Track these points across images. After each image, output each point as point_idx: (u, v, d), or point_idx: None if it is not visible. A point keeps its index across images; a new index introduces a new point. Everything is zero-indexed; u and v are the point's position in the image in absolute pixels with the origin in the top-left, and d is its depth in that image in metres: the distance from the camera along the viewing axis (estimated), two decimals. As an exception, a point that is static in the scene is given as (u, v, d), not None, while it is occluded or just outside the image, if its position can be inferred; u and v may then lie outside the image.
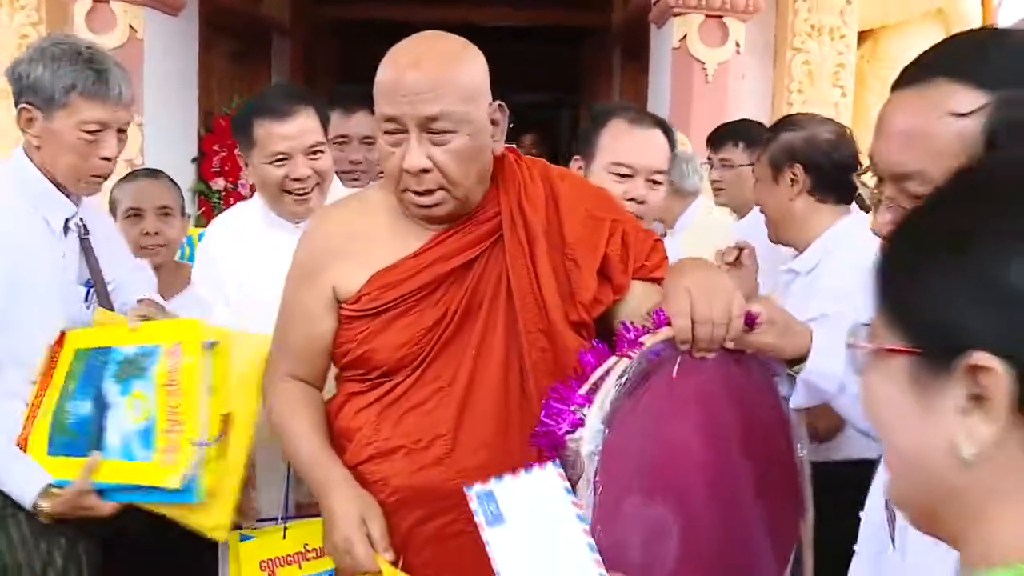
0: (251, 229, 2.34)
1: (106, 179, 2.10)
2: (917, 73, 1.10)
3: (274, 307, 1.97)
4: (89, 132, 1.99)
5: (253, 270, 2.26)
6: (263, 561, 2.08)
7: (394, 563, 1.61)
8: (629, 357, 1.46)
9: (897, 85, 1.12)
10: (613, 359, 1.46)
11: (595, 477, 1.37)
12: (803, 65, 4.76)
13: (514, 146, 1.95)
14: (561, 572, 1.32)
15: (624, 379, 1.43)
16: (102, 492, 1.91)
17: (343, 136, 2.92)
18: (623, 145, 2.15)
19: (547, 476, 1.38)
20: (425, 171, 1.60)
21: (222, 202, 4.94)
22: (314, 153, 2.26)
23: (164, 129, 4.42)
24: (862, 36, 5.06)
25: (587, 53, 8.36)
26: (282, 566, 2.10)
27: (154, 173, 3.00)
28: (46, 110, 1.99)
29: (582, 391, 1.43)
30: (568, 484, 1.38)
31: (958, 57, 1.09)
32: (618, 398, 1.41)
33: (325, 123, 2.34)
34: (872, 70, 5.14)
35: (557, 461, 1.41)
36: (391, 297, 1.67)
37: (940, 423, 0.69)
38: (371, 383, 1.70)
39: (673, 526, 1.38)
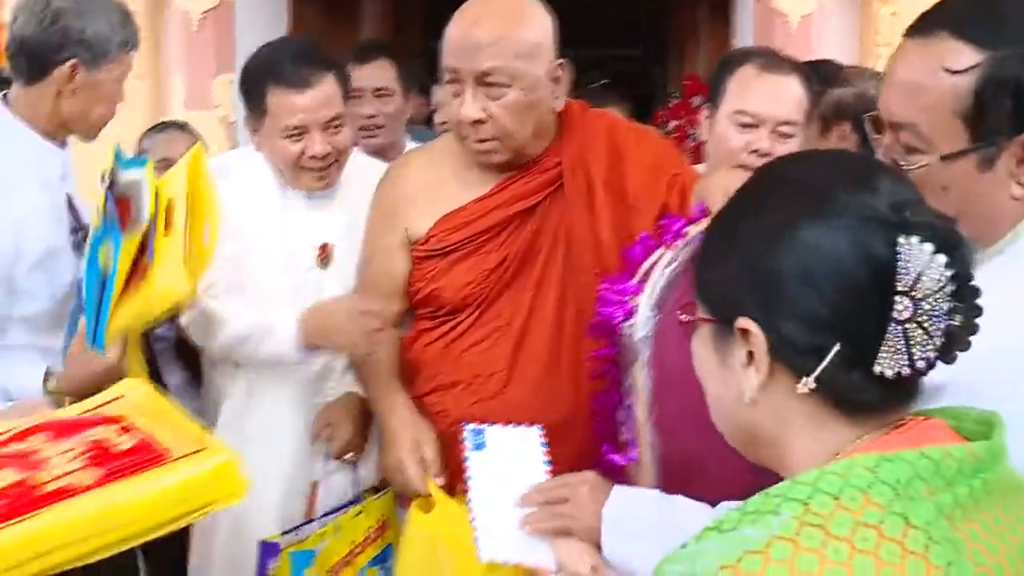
0: (264, 193, 2.11)
1: None
2: (925, 25, 1.11)
3: (278, 284, 2.04)
4: (121, 83, 2.11)
5: (263, 241, 2.06)
6: (329, 570, 2.01)
7: (447, 489, 1.73)
8: (674, 247, 1.56)
9: (907, 34, 1.13)
10: (660, 250, 1.57)
11: (648, 360, 1.48)
12: (891, 16, 4.64)
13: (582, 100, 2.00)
14: (519, 488, 1.47)
15: (671, 267, 1.53)
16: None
17: (355, 90, 2.70)
18: (749, 92, 1.96)
19: (530, 433, 1.55)
20: (479, 122, 1.72)
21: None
22: (335, 127, 2.04)
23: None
24: (956, -15, 4.91)
25: (672, 8, 8.27)
26: (343, 568, 2.04)
27: (181, 126, 3.14)
28: (92, 63, 2.03)
29: (633, 282, 1.54)
30: (545, 441, 1.53)
31: (962, 13, 1.09)
32: (667, 285, 1.51)
33: (347, 91, 2.13)
34: (966, 21, 4.99)
35: (542, 427, 1.55)
36: (457, 239, 1.81)
37: (732, 375, 0.87)
38: (438, 320, 1.84)
39: None
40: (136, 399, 1.51)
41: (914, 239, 0.78)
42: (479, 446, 1.56)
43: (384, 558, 2.10)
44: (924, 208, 0.81)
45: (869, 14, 4.70)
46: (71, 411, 1.50)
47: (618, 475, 1.54)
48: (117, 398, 1.50)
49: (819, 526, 0.73)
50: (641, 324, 1.50)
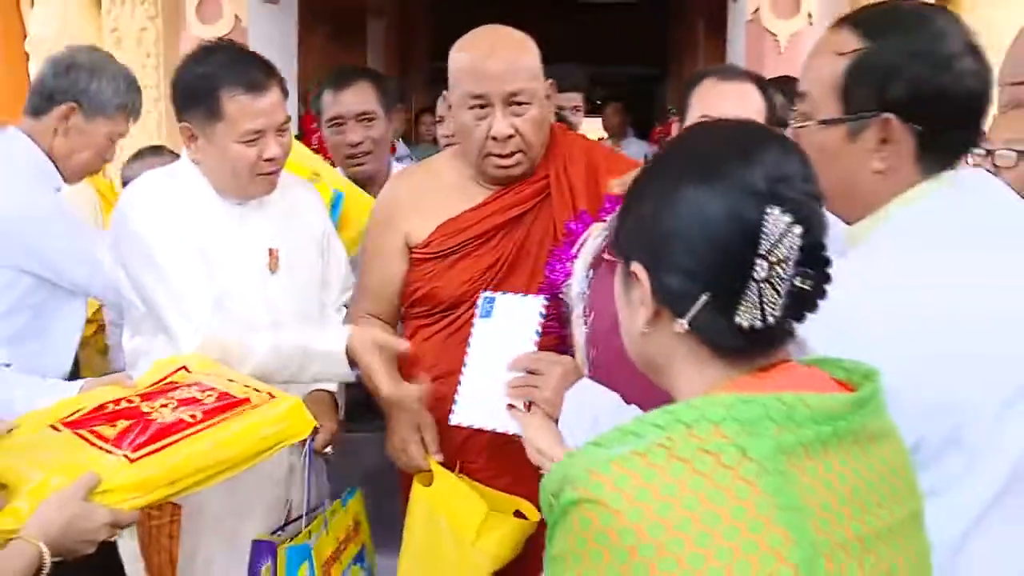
0: (207, 204, 2.05)
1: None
2: (844, 18, 1.31)
3: (233, 293, 1.99)
4: (112, 140, 2.44)
5: (216, 251, 2.01)
6: (322, 566, 2.01)
7: (450, 467, 1.92)
8: (606, 220, 1.77)
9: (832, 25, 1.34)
10: (595, 224, 1.79)
11: (585, 311, 1.71)
12: (878, 33, 4.80)
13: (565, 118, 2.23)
14: (508, 358, 1.71)
15: (603, 236, 1.73)
16: None
17: (337, 117, 2.76)
18: (707, 100, 2.11)
19: (533, 302, 1.76)
20: (509, 137, 1.93)
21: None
22: (283, 130, 2.03)
23: (268, 110, 4.75)
24: None
25: (673, 27, 8.47)
26: (332, 563, 2.05)
27: (158, 150, 3.23)
28: (89, 115, 2.37)
29: (573, 250, 1.78)
30: (544, 312, 1.73)
31: (868, 11, 1.30)
32: (598, 250, 1.72)
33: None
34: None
35: (547, 297, 1.77)
36: (454, 243, 2.01)
37: (632, 310, 1.03)
38: (436, 316, 2.03)
39: None
40: (196, 367, 1.75)
41: (778, 210, 0.92)
42: (487, 313, 1.78)
43: (362, 557, 2.17)
44: (797, 185, 0.95)
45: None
46: (142, 383, 1.72)
47: None
48: (180, 368, 1.74)
49: (667, 447, 0.86)
50: (576, 283, 1.72)
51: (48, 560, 1.31)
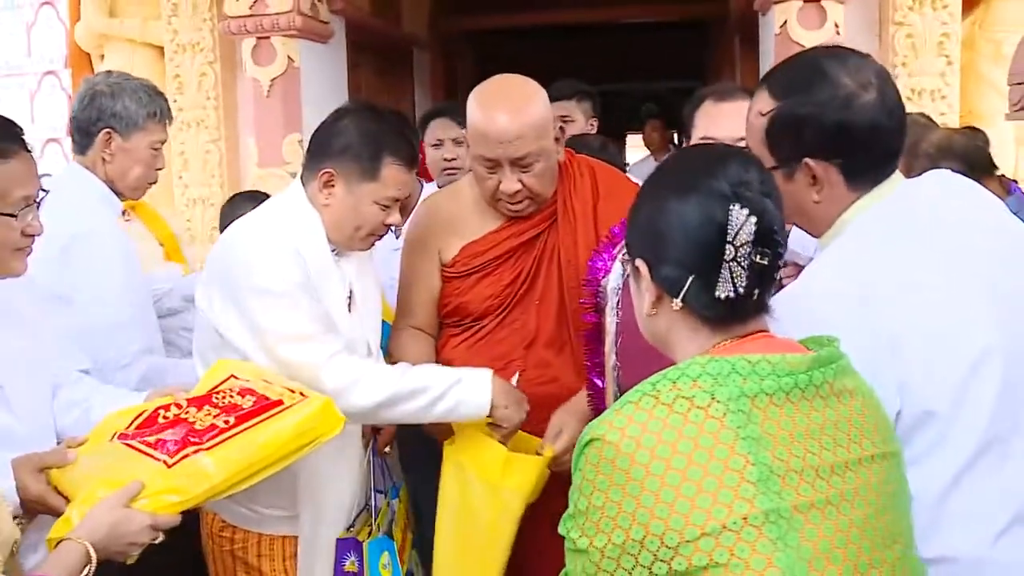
0: (321, 245, 2.11)
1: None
2: (761, 80, 1.55)
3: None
4: (155, 148, 2.62)
5: (325, 291, 2.09)
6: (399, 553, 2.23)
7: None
8: None
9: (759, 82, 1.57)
10: None
11: (617, 305, 1.95)
12: (906, 39, 4.93)
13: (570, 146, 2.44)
14: None
15: None
16: None
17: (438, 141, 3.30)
18: (710, 120, 2.28)
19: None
20: (517, 191, 2.16)
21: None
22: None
23: (321, 144, 5.00)
24: (974, 2, 5.15)
25: (711, 43, 8.62)
26: (402, 552, 2.26)
27: (258, 196, 3.18)
28: (125, 134, 2.57)
29: (614, 251, 2.00)
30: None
31: (775, 73, 1.54)
32: None
33: None
34: (984, 35, 5.21)
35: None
36: (478, 263, 2.27)
37: (641, 295, 1.26)
38: (464, 326, 2.30)
39: None
40: (242, 373, 1.90)
41: (738, 206, 1.18)
42: None
43: (414, 543, 2.43)
44: (754, 187, 1.21)
45: (887, 38, 4.99)
46: (195, 391, 1.89)
47: (600, 393, 2.03)
48: (230, 377, 1.89)
49: (654, 396, 1.12)
50: (612, 278, 1.97)
51: (94, 559, 1.47)
